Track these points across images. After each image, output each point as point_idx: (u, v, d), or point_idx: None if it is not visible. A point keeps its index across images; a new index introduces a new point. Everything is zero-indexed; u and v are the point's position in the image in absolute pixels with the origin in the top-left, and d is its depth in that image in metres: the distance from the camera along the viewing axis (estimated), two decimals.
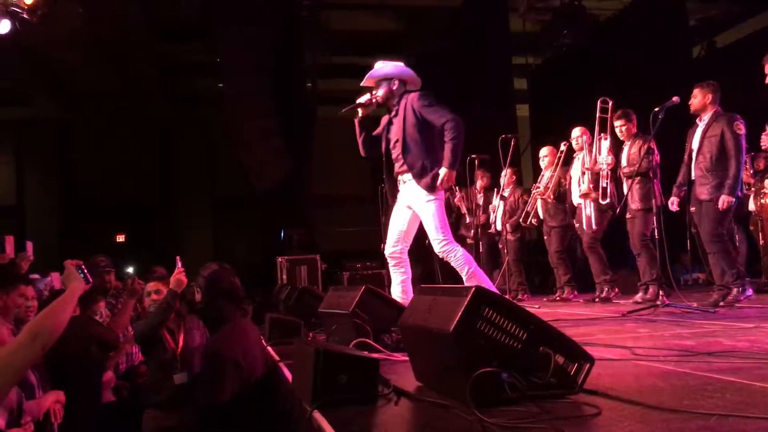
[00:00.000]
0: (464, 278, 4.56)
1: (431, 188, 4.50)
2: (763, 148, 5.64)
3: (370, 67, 4.87)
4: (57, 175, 17.52)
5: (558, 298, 7.55)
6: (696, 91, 5.47)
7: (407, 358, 2.66)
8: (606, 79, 11.31)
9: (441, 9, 13.62)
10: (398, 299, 4.54)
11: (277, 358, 3.75)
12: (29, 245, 5.26)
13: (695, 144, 5.44)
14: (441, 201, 4.60)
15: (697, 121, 5.51)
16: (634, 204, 6.19)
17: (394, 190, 4.81)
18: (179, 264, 4.34)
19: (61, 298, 2.53)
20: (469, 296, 2.02)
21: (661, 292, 5.31)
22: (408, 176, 4.63)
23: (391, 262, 4.76)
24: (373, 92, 4.78)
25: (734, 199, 5.21)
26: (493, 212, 8.61)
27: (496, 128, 8.69)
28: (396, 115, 4.72)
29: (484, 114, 11.16)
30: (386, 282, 10.40)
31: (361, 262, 11.25)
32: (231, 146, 15.17)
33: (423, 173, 4.54)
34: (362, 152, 4.97)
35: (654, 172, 6.06)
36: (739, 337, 3.40)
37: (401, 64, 4.88)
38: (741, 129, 5.24)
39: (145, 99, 15.65)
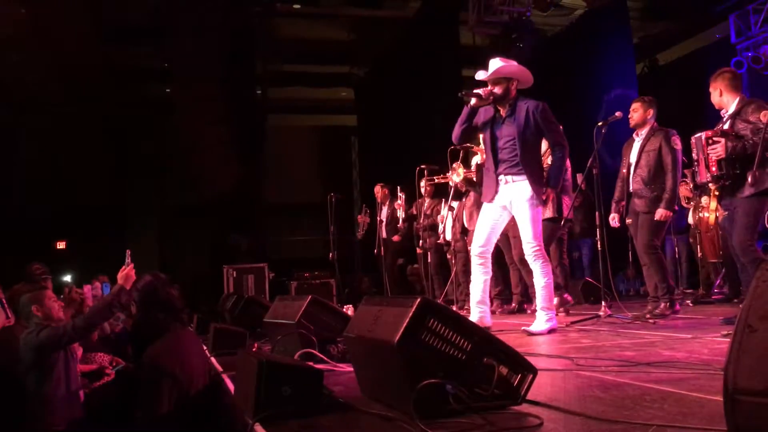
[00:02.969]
0: (537, 288, 4.68)
1: (539, 201, 4.62)
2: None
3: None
4: None
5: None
6: (637, 105, 5.52)
7: (353, 369, 2.64)
8: (552, 92, 11.54)
9: (393, 20, 13.71)
10: (477, 298, 4.68)
11: (220, 369, 3.69)
12: None
13: (633, 158, 5.51)
14: (541, 209, 4.73)
15: (634, 135, 5.58)
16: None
17: (492, 189, 4.79)
18: (128, 258, 4.19)
19: None
20: (415, 307, 2.02)
21: (603, 303, 5.40)
22: (517, 177, 4.67)
23: (476, 261, 4.75)
24: (491, 87, 4.73)
25: (671, 213, 5.31)
26: (442, 222, 8.64)
27: (447, 140, 8.75)
28: (510, 115, 4.72)
29: (434, 126, 11.25)
30: (334, 291, 10.40)
31: (309, 271, 11.18)
32: (181, 153, 14.92)
33: (538, 179, 4.64)
34: (456, 139, 4.93)
35: (565, 188, 6.40)
36: (678, 347, 3.48)
37: (515, 63, 4.86)
38: (678, 144, 5.36)
39: (93, 103, 15.27)
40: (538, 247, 4.63)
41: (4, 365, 3.91)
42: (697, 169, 4.65)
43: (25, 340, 3.91)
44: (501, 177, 4.74)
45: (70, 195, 16.05)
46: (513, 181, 4.69)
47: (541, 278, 4.67)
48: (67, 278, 14.09)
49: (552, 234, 6.61)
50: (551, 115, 4.73)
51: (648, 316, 5.20)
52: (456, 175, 7.75)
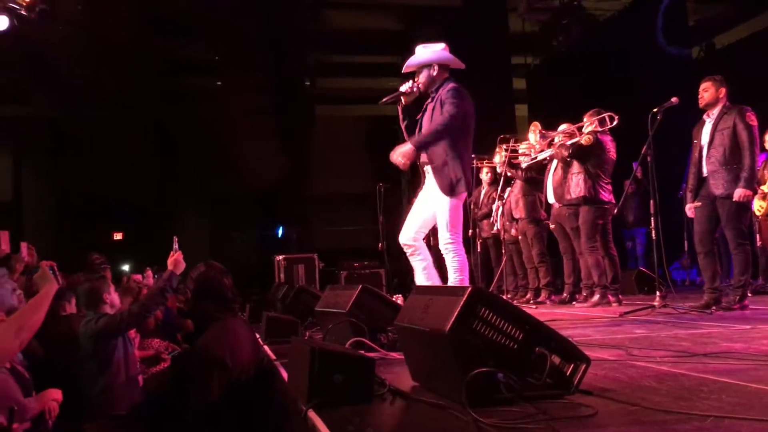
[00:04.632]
0: (452, 281, 4.46)
1: (448, 192, 4.37)
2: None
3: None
4: (54, 172, 17.47)
5: (531, 301, 7.36)
6: (707, 85, 5.26)
7: (403, 358, 2.65)
8: (604, 79, 11.32)
9: (441, 8, 13.61)
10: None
11: (273, 357, 3.75)
12: (23, 246, 5.20)
13: (705, 139, 5.24)
14: (459, 200, 4.46)
15: (704, 116, 5.34)
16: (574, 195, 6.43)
17: (422, 178, 4.69)
18: (176, 245, 4.25)
19: (38, 297, 2.60)
20: (466, 296, 2.02)
21: (658, 294, 5.28)
22: (429, 165, 4.50)
23: (407, 251, 4.58)
24: (415, 79, 4.65)
25: (751, 192, 5.03)
26: (496, 212, 8.51)
27: (495, 128, 8.67)
28: (432, 101, 4.61)
29: (484, 113, 11.16)
30: (384, 281, 10.44)
31: (359, 261, 11.25)
32: (230, 144, 15.16)
33: (442, 169, 4.39)
34: (406, 138, 4.75)
35: (603, 169, 6.32)
36: (736, 338, 3.40)
37: (442, 46, 4.73)
38: (753, 120, 5.08)
39: (143, 97, 15.63)
40: (452, 240, 4.38)
41: (64, 353, 4.04)
42: None
43: (85, 328, 4.04)
44: (425, 167, 4.58)
45: (124, 187, 16.48)
46: (428, 172, 4.54)
47: (455, 273, 4.39)
48: (125, 267, 14.50)
49: (593, 222, 6.34)
50: (457, 94, 4.43)
51: (721, 306, 5.06)
52: (498, 156, 7.69)
